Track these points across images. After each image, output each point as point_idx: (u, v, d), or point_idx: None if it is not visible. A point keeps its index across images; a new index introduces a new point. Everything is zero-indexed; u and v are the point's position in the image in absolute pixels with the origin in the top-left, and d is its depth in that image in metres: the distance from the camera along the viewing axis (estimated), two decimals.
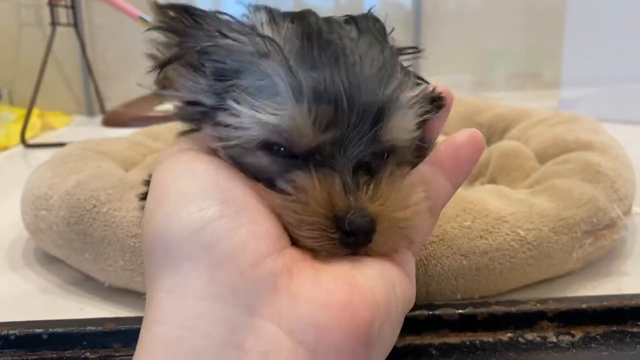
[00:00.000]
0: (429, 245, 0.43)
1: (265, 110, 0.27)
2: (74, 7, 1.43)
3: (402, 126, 0.30)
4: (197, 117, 0.31)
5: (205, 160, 0.28)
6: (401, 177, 0.30)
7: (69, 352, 0.39)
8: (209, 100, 0.29)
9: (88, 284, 0.51)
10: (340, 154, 0.28)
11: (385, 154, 0.30)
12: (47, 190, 0.52)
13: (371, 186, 0.28)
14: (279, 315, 0.24)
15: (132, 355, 0.25)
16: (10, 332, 0.39)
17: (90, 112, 1.59)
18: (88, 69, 1.51)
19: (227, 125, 0.28)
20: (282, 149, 0.28)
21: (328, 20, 0.31)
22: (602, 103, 1.28)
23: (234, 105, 0.28)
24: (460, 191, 0.50)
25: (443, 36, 1.70)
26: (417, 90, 0.31)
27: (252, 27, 0.29)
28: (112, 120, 1.36)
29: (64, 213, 0.49)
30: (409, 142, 0.32)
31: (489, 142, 0.81)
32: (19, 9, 1.56)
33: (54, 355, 0.39)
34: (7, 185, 0.86)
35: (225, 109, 0.28)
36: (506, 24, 1.64)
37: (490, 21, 1.66)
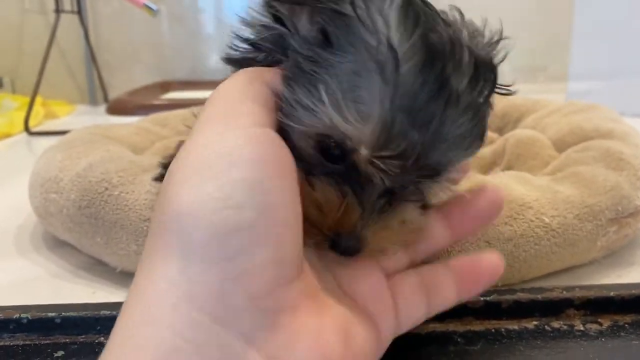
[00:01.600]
0: None
1: (344, 114, 0.26)
2: None
3: (444, 184, 0.30)
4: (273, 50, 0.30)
5: (265, 139, 0.25)
6: (413, 215, 0.31)
7: (83, 336, 0.38)
8: (300, 47, 0.28)
9: (99, 268, 0.49)
10: (376, 182, 0.28)
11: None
12: (57, 173, 0.51)
13: (381, 218, 0.29)
14: (275, 353, 0.23)
15: None
16: (23, 315, 0.38)
17: (93, 101, 1.58)
18: (92, 57, 1.50)
19: (301, 104, 0.27)
20: (335, 147, 0.28)
21: (453, 44, 0.27)
22: (611, 97, 1.27)
23: (321, 89, 0.26)
24: (482, 177, 0.49)
25: None
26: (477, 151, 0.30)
27: (383, 13, 0.26)
28: (117, 108, 1.34)
29: (75, 196, 0.48)
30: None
31: (502, 131, 0.80)
32: None
33: (67, 340, 0.38)
34: (12, 172, 0.84)
35: (307, 86, 0.27)
36: (510, 16, 1.63)
37: (494, 13, 1.65)
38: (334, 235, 0.29)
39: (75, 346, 0.37)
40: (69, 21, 1.40)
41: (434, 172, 0.28)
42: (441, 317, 0.39)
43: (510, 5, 1.62)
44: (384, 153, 0.26)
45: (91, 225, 0.47)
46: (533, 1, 1.61)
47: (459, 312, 0.39)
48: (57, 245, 0.55)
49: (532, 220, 0.43)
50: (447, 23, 0.29)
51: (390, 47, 0.25)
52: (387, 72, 0.25)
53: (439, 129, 0.26)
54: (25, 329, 0.38)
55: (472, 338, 0.38)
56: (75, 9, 1.40)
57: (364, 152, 0.27)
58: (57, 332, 0.38)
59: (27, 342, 0.38)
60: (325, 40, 0.27)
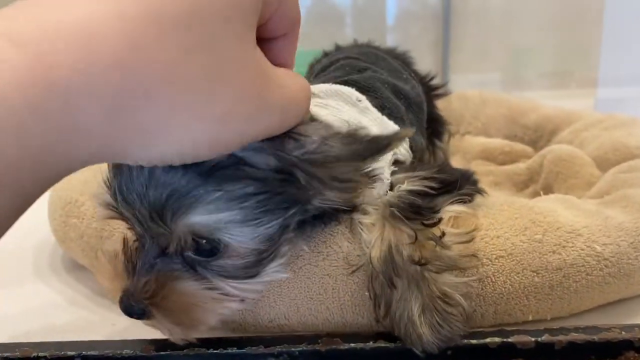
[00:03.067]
0: (496, 260, 0.39)
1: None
2: None
3: (194, 224, 0.30)
4: None
5: None
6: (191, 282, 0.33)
7: None
8: None
9: None
10: (147, 240, 0.33)
11: (214, 251, 0.33)
12: (78, 197, 0.49)
13: (154, 277, 0.32)
14: None
15: None
16: (41, 354, 0.36)
17: None
18: None
19: None
20: None
21: None
22: None
23: None
24: (526, 201, 0.45)
25: (472, 33, 1.65)
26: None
27: None
28: None
29: (97, 225, 0.46)
30: (236, 241, 0.32)
31: (535, 145, 0.76)
32: None
33: None
34: None
35: None
36: (538, 20, 1.59)
37: (521, 17, 1.62)
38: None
39: None
40: None
41: (158, 216, 0.31)
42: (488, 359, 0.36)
43: (537, 9, 1.58)
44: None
45: None
46: (561, 4, 1.56)
47: (508, 353, 0.36)
48: (76, 268, 0.53)
49: (582, 249, 0.40)
50: None
51: None
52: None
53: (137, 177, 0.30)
54: None
55: None
56: None
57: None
58: None
59: None
60: None
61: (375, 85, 0.49)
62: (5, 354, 0.36)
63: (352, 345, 0.36)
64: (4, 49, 0.20)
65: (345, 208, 0.37)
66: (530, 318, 0.40)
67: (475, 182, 0.43)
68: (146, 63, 0.22)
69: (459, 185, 0.41)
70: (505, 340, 0.36)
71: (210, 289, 0.34)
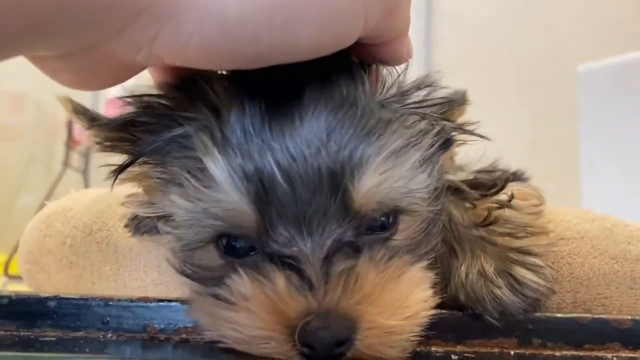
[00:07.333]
0: (570, 242, 0.34)
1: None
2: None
3: (380, 183, 0.25)
4: None
5: None
6: (400, 262, 0.25)
7: None
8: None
9: None
10: (302, 239, 0.23)
11: (386, 224, 0.26)
12: (68, 203, 0.43)
13: (344, 278, 0.23)
14: None
15: None
16: None
17: None
18: None
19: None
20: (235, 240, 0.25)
21: None
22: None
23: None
24: None
25: None
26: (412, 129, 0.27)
27: None
28: None
29: (87, 219, 0.40)
30: (414, 199, 0.26)
31: None
32: None
33: None
34: None
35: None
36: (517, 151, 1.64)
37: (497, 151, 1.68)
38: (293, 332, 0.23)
39: None
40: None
41: (335, 177, 0.23)
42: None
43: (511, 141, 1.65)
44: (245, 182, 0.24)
45: (101, 252, 0.39)
46: (538, 153, 1.62)
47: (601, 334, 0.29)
48: None
49: None
50: None
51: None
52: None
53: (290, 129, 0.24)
54: None
55: None
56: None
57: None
58: None
59: None
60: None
61: None
62: None
63: None
64: None
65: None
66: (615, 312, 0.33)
67: (527, 180, 0.39)
68: None
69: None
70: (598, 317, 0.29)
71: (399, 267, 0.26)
